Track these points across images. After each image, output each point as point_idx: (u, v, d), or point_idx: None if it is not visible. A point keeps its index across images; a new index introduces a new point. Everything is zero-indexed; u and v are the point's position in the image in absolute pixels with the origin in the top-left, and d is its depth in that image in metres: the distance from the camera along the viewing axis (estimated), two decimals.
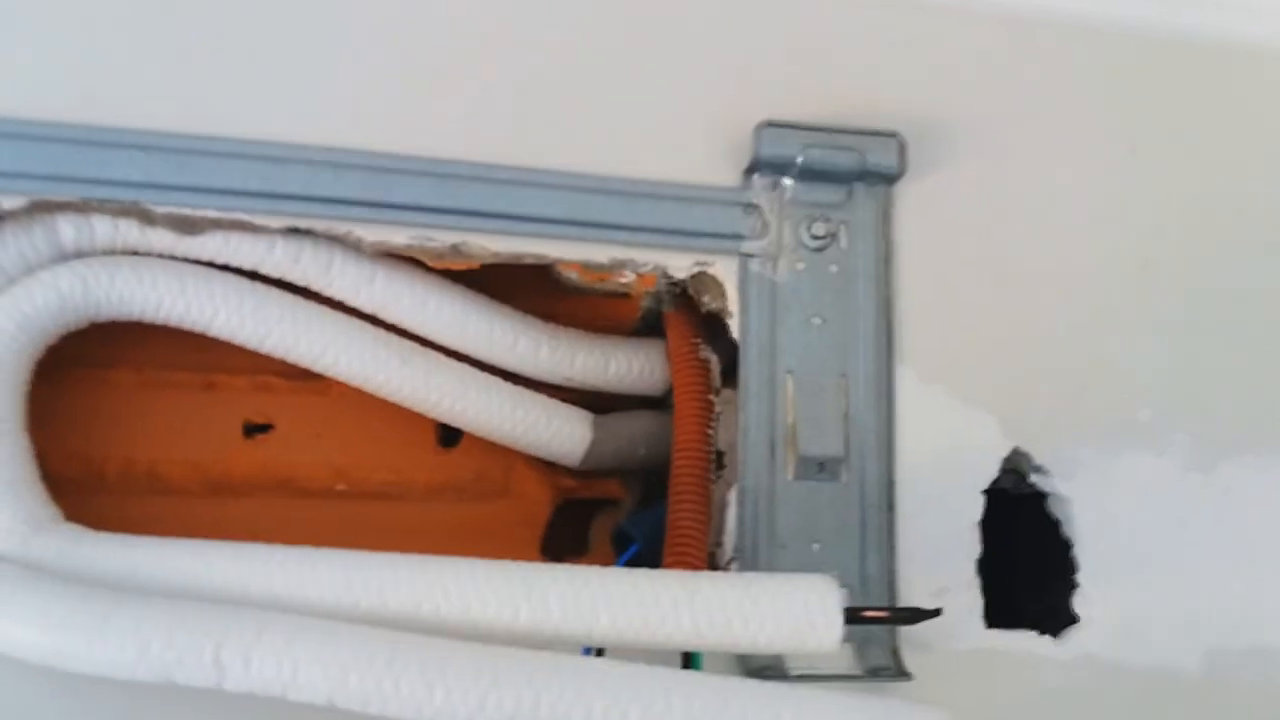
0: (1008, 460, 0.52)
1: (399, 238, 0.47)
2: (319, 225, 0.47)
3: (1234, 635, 0.53)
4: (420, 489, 0.55)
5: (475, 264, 0.48)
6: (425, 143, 0.48)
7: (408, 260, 0.49)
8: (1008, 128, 0.55)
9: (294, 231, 0.47)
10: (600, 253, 0.49)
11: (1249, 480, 0.55)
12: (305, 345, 0.47)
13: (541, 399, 0.52)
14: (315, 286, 0.48)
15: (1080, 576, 0.52)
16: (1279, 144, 0.58)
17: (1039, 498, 0.53)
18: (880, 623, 0.44)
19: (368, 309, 0.49)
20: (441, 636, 0.37)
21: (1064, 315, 0.54)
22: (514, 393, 0.51)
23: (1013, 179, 0.54)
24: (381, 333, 0.49)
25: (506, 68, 0.50)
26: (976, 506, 0.51)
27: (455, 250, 0.48)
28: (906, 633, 0.48)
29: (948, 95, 0.54)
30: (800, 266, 0.50)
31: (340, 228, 0.47)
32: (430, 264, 0.48)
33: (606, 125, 0.50)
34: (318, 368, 0.48)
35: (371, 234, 0.47)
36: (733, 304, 0.50)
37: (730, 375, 0.51)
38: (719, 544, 0.48)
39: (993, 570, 0.52)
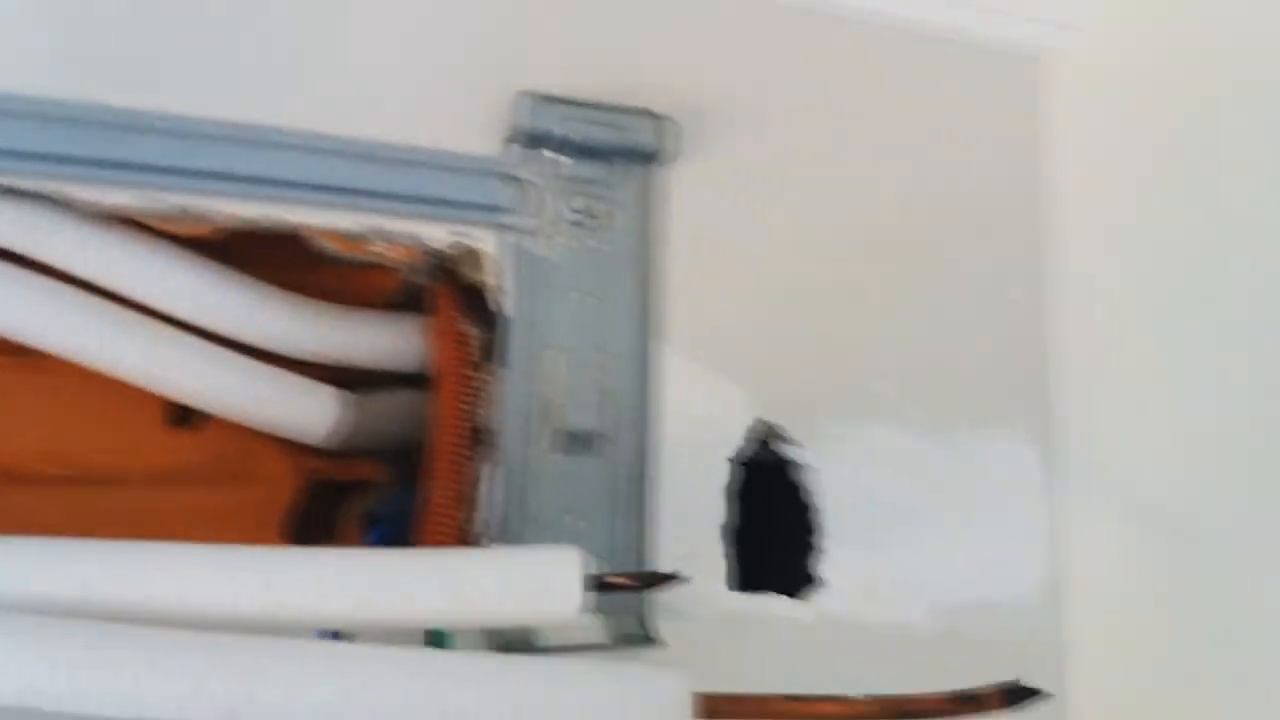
0: (757, 431, 0.54)
1: (121, 198, 0.43)
2: (28, 183, 0.42)
3: (962, 591, 0.57)
4: (148, 473, 0.51)
5: (206, 229, 0.45)
6: (153, 97, 0.44)
7: (136, 225, 0.45)
8: (771, 112, 0.56)
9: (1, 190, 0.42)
10: (350, 220, 0.47)
11: (978, 449, 0.59)
12: (6, 314, 0.42)
13: (284, 374, 0.49)
14: (27, 251, 0.44)
15: (823, 541, 0.55)
16: (1008, 135, 0.63)
17: (787, 465, 0.56)
18: (623, 590, 0.45)
19: (86, 276, 0.45)
20: (155, 627, 0.34)
21: (813, 295, 0.56)
22: (251, 367, 0.48)
23: (771, 164, 0.56)
24: (98, 301, 0.45)
25: (247, 16, 0.47)
26: (725, 476, 0.53)
27: (185, 213, 0.44)
28: (658, 600, 0.49)
29: (712, 80, 0.55)
30: (564, 241, 0.50)
31: (52, 186, 0.43)
32: (158, 228, 0.44)
33: (360, 86, 0.48)
34: (25, 339, 0.44)
35: (89, 194, 0.43)
36: (494, 278, 0.49)
37: (494, 351, 0.50)
38: (473, 521, 0.47)
39: (749, 538, 0.54)
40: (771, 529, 0.56)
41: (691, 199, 0.53)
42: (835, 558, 0.55)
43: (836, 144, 0.58)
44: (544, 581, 0.38)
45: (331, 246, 0.47)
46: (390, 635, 0.38)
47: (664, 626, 0.49)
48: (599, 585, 0.40)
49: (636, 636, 0.48)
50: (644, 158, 0.51)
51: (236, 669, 0.33)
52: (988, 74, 0.62)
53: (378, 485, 0.56)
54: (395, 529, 0.47)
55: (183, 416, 0.52)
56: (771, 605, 0.53)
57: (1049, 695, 0.40)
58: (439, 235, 0.48)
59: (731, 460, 0.53)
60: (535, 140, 0.49)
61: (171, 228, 0.44)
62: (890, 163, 0.59)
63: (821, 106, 0.58)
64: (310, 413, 0.50)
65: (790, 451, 0.55)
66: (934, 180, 0.60)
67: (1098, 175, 0.60)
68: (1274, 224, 0.48)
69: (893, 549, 0.56)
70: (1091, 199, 0.60)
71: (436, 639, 0.41)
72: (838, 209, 0.58)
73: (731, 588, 0.52)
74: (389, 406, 0.53)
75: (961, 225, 0.60)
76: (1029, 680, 0.40)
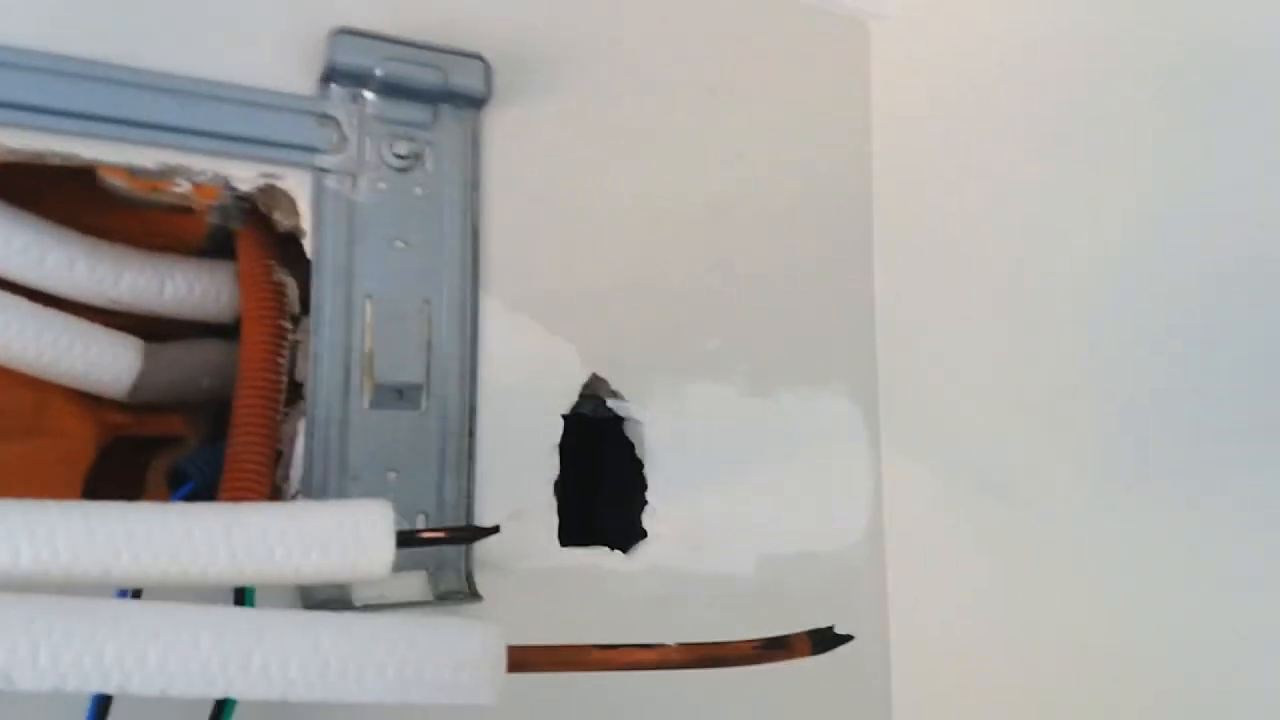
0: (587, 386, 0.54)
1: None
2: None
3: (786, 543, 0.59)
4: None
5: None
6: None
7: None
8: (600, 60, 0.56)
9: None
10: (147, 156, 0.44)
11: (802, 406, 0.61)
12: None
13: (77, 323, 0.46)
14: None
15: (650, 495, 0.55)
16: (839, 94, 0.64)
17: (618, 422, 0.56)
18: (438, 543, 0.44)
19: None
20: None
21: (643, 248, 0.56)
22: (39, 314, 0.44)
23: (601, 112, 0.56)
24: None
25: None
26: (556, 431, 0.52)
27: None
28: (482, 556, 0.49)
29: (540, 22, 0.54)
30: (382, 186, 0.48)
31: None
32: None
33: (163, 13, 0.45)
34: None
35: None
36: (307, 222, 0.47)
37: (310, 301, 0.48)
38: (286, 478, 0.45)
39: (577, 492, 0.54)
40: (599, 483, 0.57)
41: (516, 145, 0.52)
42: (662, 511, 0.56)
43: (667, 94, 0.58)
44: (352, 536, 0.37)
45: (124, 185, 0.44)
46: (194, 596, 0.36)
47: (487, 582, 0.48)
48: (410, 540, 0.39)
49: (459, 593, 0.47)
50: (469, 101, 0.50)
51: (11, 631, 0.30)
52: (820, 32, 0.63)
53: (188, 442, 0.53)
54: (204, 486, 0.44)
55: None
56: (598, 559, 0.54)
57: (853, 638, 0.41)
58: (245, 175, 0.46)
59: (567, 416, 0.53)
60: (353, 79, 0.47)
61: None
62: (721, 115, 0.59)
63: (653, 55, 0.58)
64: (110, 364, 0.47)
65: (620, 407, 0.55)
66: (765, 135, 0.61)
67: (923, 136, 0.62)
68: (1093, 185, 0.50)
69: (718, 502, 0.57)
70: (918, 159, 0.62)
71: (243, 597, 0.39)
72: (668, 160, 0.57)
73: (559, 543, 0.52)
74: (196, 358, 0.50)
75: (791, 182, 0.61)
76: (845, 628, 0.42)
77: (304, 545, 0.36)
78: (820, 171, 0.63)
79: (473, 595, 0.47)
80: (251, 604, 0.40)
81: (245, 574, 0.36)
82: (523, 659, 0.37)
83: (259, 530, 0.35)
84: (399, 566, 0.37)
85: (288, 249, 0.49)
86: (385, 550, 0.37)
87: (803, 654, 0.40)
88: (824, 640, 0.41)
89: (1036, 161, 0.54)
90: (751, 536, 0.58)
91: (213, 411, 0.53)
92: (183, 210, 0.48)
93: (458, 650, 0.35)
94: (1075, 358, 0.51)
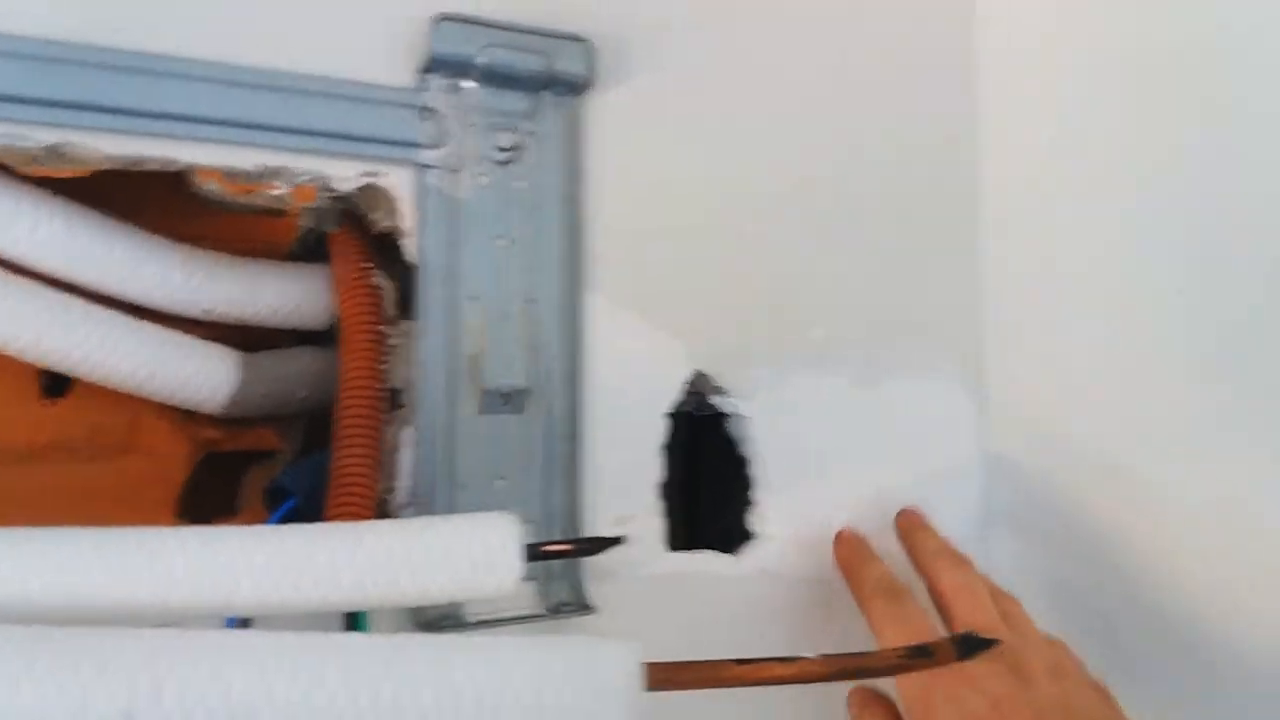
0: (691, 384, 0.51)
1: None
2: None
3: (895, 539, 0.56)
4: (20, 449, 0.45)
5: (83, 170, 0.39)
6: (15, 18, 0.38)
7: None
8: (705, 41, 0.53)
9: None
10: (245, 158, 0.42)
11: (910, 397, 0.58)
12: None
13: (173, 335, 0.44)
14: None
15: (757, 494, 0.53)
16: (942, 70, 0.60)
17: (722, 419, 0.54)
18: (562, 556, 0.42)
19: None
20: (36, 623, 0.30)
21: (746, 237, 0.54)
22: (136, 328, 0.43)
23: (704, 95, 0.53)
24: None
25: None
26: (660, 432, 0.50)
27: (54, 152, 0.39)
28: (591, 565, 0.47)
29: (643, 2, 0.51)
30: (484, 181, 0.46)
31: None
32: (22, 171, 0.39)
33: (255, 7, 0.43)
34: None
35: None
36: (408, 222, 0.45)
37: (407, 304, 0.46)
38: (392, 490, 0.44)
39: (684, 495, 0.52)
40: (706, 484, 0.54)
41: (619, 132, 0.50)
42: (768, 511, 0.53)
43: (773, 75, 0.55)
44: (478, 553, 0.35)
45: (217, 189, 0.42)
46: (305, 621, 0.35)
47: (597, 592, 0.46)
48: (537, 553, 0.37)
49: (571, 604, 0.45)
50: (572, 88, 0.47)
51: (131, 669, 0.29)
52: (926, 17, 0.60)
53: (282, 455, 0.52)
54: (305, 503, 0.43)
55: (58, 386, 0.46)
56: (706, 563, 0.52)
57: (999, 642, 0.39)
58: (345, 174, 0.44)
59: (667, 415, 0.50)
60: (455, 69, 0.45)
61: (40, 170, 0.39)
62: (825, 97, 0.56)
63: (759, 34, 0.55)
64: (207, 378, 0.45)
65: (724, 403, 0.53)
66: (872, 117, 0.58)
67: (1031, 118, 0.59)
68: (1218, 174, 0.47)
69: (825, 499, 0.55)
70: (1026, 142, 0.59)
71: (354, 621, 0.38)
72: (773, 145, 0.55)
73: (668, 548, 0.50)
74: (292, 368, 0.49)
75: (896, 164, 0.58)
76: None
77: (431, 566, 0.34)
78: (926, 156, 0.60)
79: (586, 607, 0.45)
80: (364, 626, 0.38)
81: (370, 598, 0.34)
82: (659, 677, 0.34)
83: (384, 552, 0.33)
84: None
85: (382, 250, 0.47)
86: (515, 566, 0.35)
87: (948, 660, 0.38)
88: (970, 645, 0.39)
89: (1149, 140, 0.50)
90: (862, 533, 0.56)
91: (305, 423, 0.51)
92: (275, 213, 0.46)
93: (594, 670, 0.33)
94: (1185, 346, 0.48)
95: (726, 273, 0.53)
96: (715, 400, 0.53)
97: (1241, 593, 0.46)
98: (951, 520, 0.56)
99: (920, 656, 0.38)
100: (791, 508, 0.54)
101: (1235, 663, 0.46)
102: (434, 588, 0.35)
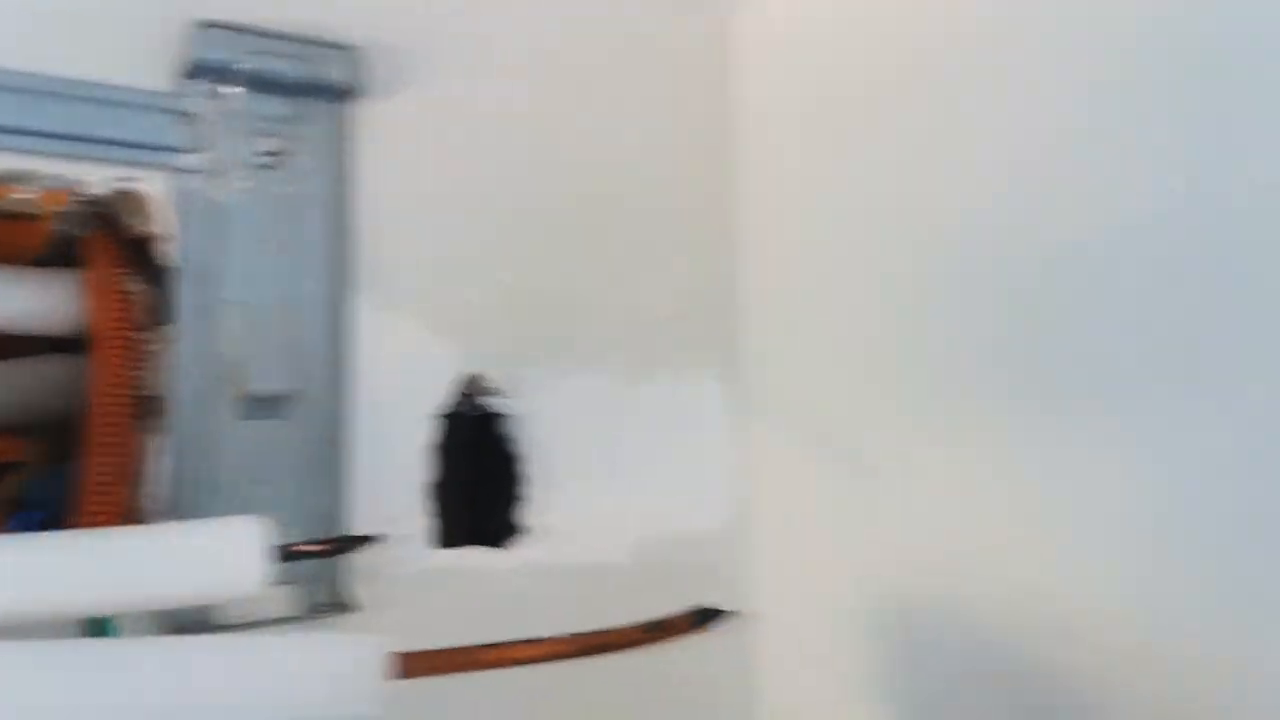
0: (465, 384, 0.53)
1: None
2: None
3: (656, 527, 0.60)
4: None
5: None
6: None
7: None
8: (471, 49, 0.54)
9: None
10: None
11: (671, 391, 0.61)
12: None
13: None
14: None
15: (527, 490, 0.55)
16: (699, 84, 0.63)
17: (493, 418, 0.55)
18: (315, 556, 0.42)
19: None
20: None
21: (515, 240, 0.56)
22: None
23: (472, 102, 0.54)
24: None
25: None
26: (427, 432, 0.51)
27: None
28: (357, 566, 0.47)
29: (410, 10, 0.52)
30: (247, 185, 0.46)
31: None
32: None
33: (2, 8, 0.41)
34: None
35: None
36: (166, 226, 0.44)
37: (167, 310, 0.45)
38: (147, 498, 0.43)
39: (451, 493, 0.52)
40: (475, 481, 0.55)
41: (385, 139, 0.51)
42: (537, 505, 0.55)
43: (536, 88, 0.57)
44: (222, 556, 0.35)
45: None
46: (47, 628, 0.33)
47: (361, 591, 0.47)
48: (287, 555, 0.37)
49: (330, 604, 0.46)
50: (335, 94, 0.48)
51: None
52: (681, 25, 0.63)
53: (29, 467, 0.49)
54: (47, 513, 0.41)
55: None
56: (474, 558, 0.53)
57: (735, 615, 0.42)
58: (98, 178, 0.43)
59: (435, 415, 0.51)
60: (212, 74, 0.45)
61: None
62: (588, 109, 0.59)
63: (521, 48, 0.57)
64: None
65: (495, 403, 0.54)
66: (631, 129, 0.61)
67: (781, 121, 0.62)
68: (947, 172, 0.52)
69: (593, 491, 0.57)
70: (778, 144, 0.62)
71: (97, 627, 0.36)
72: (537, 155, 0.57)
73: (437, 545, 0.51)
74: (33, 376, 0.46)
75: (656, 174, 0.62)
76: (717, 603, 0.42)
77: (173, 570, 0.34)
78: (682, 159, 0.63)
79: (345, 606, 0.46)
80: (110, 632, 0.37)
81: (113, 603, 0.33)
82: (414, 665, 0.36)
83: (124, 557, 0.33)
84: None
85: (135, 254, 0.46)
86: (259, 569, 0.35)
87: (685, 632, 0.41)
88: (705, 617, 0.42)
89: (893, 150, 0.55)
90: (626, 523, 0.59)
91: (54, 433, 0.49)
92: (23, 217, 0.44)
93: (336, 664, 0.34)
94: (937, 336, 0.52)
95: (497, 275, 0.55)
96: (486, 400, 0.54)
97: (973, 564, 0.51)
98: (708, 512, 0.59)
99: (659, 630, 0.41)
100: (560, 502, 0.56)
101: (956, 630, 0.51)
102: (179, 592, 0.34)
